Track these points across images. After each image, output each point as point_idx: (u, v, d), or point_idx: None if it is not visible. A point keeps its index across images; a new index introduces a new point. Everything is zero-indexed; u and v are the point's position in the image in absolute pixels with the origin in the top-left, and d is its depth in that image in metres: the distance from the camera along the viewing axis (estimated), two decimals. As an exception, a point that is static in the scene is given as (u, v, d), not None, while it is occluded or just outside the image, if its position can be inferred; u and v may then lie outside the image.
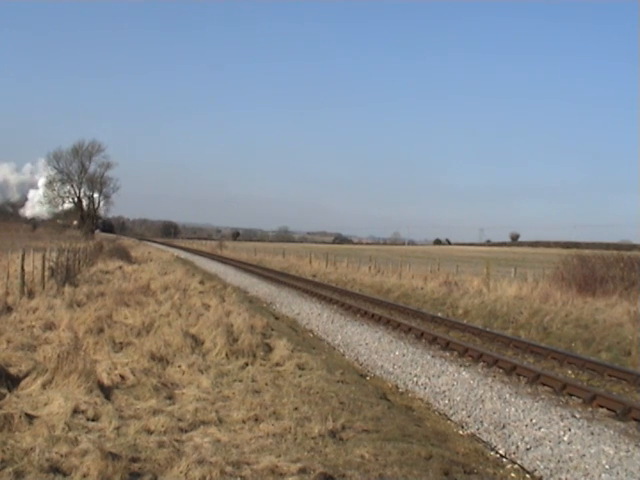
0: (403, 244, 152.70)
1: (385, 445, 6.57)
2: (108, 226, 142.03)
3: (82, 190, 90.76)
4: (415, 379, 11.27)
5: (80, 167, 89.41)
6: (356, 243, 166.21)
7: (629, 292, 19.95)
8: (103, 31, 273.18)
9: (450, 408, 9.67)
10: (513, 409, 8.89)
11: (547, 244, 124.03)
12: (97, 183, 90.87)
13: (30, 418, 6.35)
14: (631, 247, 66.41)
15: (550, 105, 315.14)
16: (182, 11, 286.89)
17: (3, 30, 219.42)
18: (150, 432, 6.37)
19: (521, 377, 10.52)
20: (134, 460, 5.50)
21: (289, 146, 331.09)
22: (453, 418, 9.28)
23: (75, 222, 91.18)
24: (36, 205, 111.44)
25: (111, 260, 35.48)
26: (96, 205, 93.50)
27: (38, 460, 5.25)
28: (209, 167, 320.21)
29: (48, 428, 6.09)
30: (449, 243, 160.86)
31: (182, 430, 6.55)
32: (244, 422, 6.96)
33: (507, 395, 9.41)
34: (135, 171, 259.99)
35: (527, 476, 7.15)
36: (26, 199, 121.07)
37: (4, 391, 7.26)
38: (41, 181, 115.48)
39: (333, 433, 6.72)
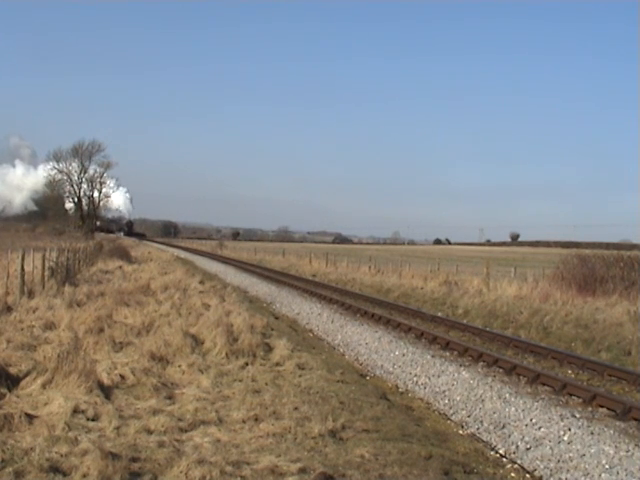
0: (403, 244, 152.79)
1: (385, 445, 6.57)
2: (131, 228, 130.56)
3: (82, 190, 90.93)
4: (415, 379, 11.27)
5: (80, 167, 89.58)
6: (356, 243, 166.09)
7: (629, 292, 19.96)
8: (103, 31, 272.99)
9: (450, 408, 9.67)
10: (513, 409, 8.88)
11: (547, 244, 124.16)
12: (97, 183, 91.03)
13: (30, 418, 6.36)
14: (631, 247, 66.27)
15: (550, 105, 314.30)
16: (183, 10, 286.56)
17: (2, 29, 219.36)
18: (150, 432, 6.38)
19: (521, 377, 10.51)
20: (134, 460, 5.51)
21: (289, 146, 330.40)
22: (453, 418, 9.28)
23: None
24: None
25: (111, 260, 35.48)
26: (96, 205, 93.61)
27: (38, 460, 5.25)
28: (209, 167, 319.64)
29: (48, 428, 6.09)
30: (449, 243, 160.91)
31: (182, 430, 6.55)
32: (244, 422, 6.96)
33: (507, 395, 9.41)
34: (135, 171, 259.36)
35: (527, 476, 7.15)
36: None
37: (4, 391, 7.26)
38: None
39: (333, 433, 6.72)
